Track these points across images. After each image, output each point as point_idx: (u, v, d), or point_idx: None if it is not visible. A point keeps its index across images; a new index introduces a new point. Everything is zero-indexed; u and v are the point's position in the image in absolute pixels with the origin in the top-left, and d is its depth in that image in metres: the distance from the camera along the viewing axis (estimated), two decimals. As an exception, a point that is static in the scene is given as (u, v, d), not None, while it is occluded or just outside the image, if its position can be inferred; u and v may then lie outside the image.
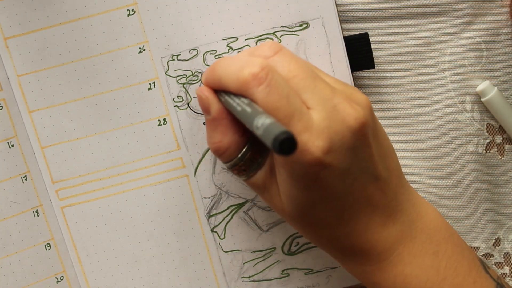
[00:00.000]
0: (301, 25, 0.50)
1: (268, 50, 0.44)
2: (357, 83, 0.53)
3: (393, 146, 0.48)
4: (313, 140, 0.41)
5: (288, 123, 0.41)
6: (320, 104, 0.42)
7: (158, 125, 0.51)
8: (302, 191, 0.43)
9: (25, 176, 0.52)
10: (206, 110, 0.46)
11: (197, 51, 0.51)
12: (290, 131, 0.36)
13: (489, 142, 0.54)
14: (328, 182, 0.43)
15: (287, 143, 0.36)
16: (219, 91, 0.46)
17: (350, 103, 0.43)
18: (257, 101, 0.42)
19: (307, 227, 0.46)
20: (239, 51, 0.51)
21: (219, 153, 0.46)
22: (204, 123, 0.51)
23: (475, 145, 0.54)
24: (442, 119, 0.54)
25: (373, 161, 0.44)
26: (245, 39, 0.50)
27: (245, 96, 0.43)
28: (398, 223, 0.45)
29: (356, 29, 0.53)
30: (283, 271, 0.54)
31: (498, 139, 0.54)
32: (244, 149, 0.45)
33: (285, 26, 0.50)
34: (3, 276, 0.52)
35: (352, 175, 0.43)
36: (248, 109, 0.41)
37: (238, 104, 0.43)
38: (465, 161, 0.54)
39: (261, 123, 0.38)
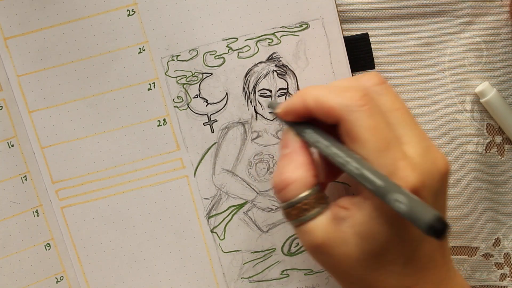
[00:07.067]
0: (301, 26, 0.50)
1: (375, 77, 0.45)
2: (357, 83, 0.53)
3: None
4: (409, 170, 0.41)
5: (386, 146, 0.42)
6: (416, 141, 0.43)
7: (158, 125, 0.51)
8: (384, 227, 0.42)
9: (25, 176, 0.52)
10: (285, 145, 0.46)
11: (197, 51, 0.50)
12: (442, 216, 0.37)
13: (489, 142, 0.54)
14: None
15: (441, 229, 0.36)
16: (306, 132, 0.46)
17: (437, 148, 0.45)
18: (357, 121, 0.42)
19: (371, 273, 0.44)
20: (239, 52, 0.50)
21: (283, 185, 0.45)
22: (204, 123, 0.51)
23: (475, 145, 0.54)
24: (442, 119, 0.54)
25: (443, 213, 0.45)
26: (245, 40, 0.50)
27: (339, 121, 0.43)
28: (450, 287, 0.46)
29: (356, 29, 0.53)
30: (282, 271, 0.54)
31: (498, 139, 0.54)
32: (311, 189, 0.44)
33: (285, 27, 0.50)
34: (3, 276, 0.52)
35: None
36: (366, 172, 0.41)
37: (349, 157, 0.42)
38: (465, 161, 0.54)
39: (405, 198, 0.38)
